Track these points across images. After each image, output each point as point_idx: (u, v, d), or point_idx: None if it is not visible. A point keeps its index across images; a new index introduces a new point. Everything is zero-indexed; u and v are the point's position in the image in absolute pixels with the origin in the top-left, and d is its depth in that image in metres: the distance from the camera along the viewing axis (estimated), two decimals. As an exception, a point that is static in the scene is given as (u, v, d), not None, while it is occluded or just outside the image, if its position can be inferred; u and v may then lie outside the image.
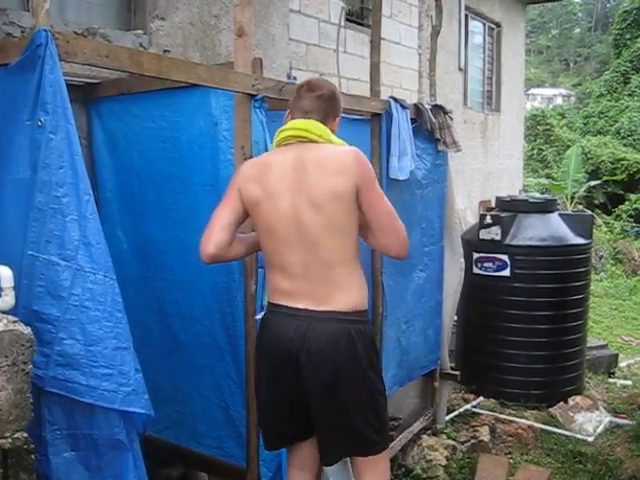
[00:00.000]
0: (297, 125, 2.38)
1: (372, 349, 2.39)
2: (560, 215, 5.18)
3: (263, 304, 2.76)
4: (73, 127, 2.04)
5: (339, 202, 2.26)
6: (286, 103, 3.06)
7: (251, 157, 2.75)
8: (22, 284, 2.01)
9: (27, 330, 1.84)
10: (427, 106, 3.91)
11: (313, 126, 2.36)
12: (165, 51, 4.00)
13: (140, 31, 3.97)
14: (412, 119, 3.74)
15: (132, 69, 2.28)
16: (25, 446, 1.83)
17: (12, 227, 2.15)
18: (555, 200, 5.55)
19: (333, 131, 2.45)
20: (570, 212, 6.75)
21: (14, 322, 1.84)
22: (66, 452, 2.09)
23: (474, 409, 4.78)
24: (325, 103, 2.43)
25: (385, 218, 2.34)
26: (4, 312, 1.92)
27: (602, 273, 11.94)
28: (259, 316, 2.73)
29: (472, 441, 4.23)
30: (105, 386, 1.98)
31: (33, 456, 1.86)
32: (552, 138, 20.51)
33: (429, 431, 4.28)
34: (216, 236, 2.36)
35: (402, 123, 3.56)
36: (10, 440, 1.79)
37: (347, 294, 2.33)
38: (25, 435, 1.83)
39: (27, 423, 1.84)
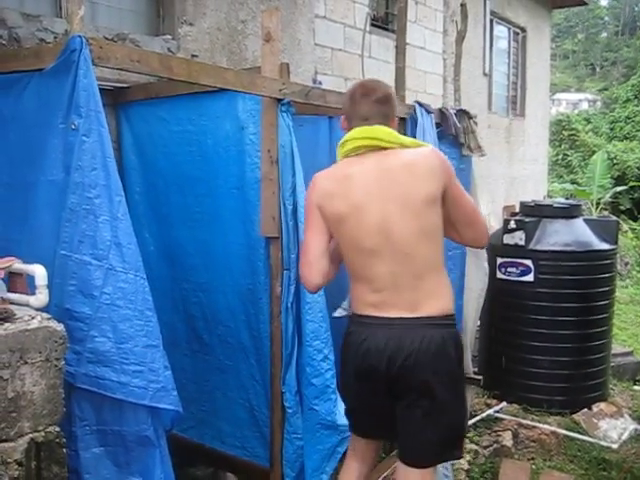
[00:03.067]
0: (367, 134, 2.31)
1: (461, 352, 2.37)
2: (585, 220, 5.14)
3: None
4: (106, 130, 2.09)
5: (433, 206, 2.24)
6: (312, 107, 3.12)
7: (277, 161, 2.79)
8: (54, 283, 2.06)
9: (60, 327, 1.89)
10: (451, 111, 3.93)
11: (382, 132, 2.30)
12: (193, 56, 4.06)
13: (169, 36, 4.04)
14: (437, 123, 3.76)
15: (162, 73, 2.33)
16: (57, 440, 1.87)
17: (45, 227, 2.21)
18: (580, 205, 5.52)
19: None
20: (595, 217, 6.70)
21: (48, 319, 1.89)
22: (95, 447, 2.14)
23: (497, 414, 4.76)
24: (383, 106, 2.36)
25: (471, 213, 2.39)
26: (38, 309, 1.97)
27: (628, 280, 11.81)
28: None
29: (495, 446, 4.21)
30: (135, 383, 2.03)
31: (65, 450, 1.91)
32: (577, 143, 20.33)
33: (451, 435, 4.28)
34: (318, 265, 2.34)
35: (427, 127, 3.58)
36: (43, 434, 1.84)
37: (437, 300, 2.29)
38: (57, 429, 1.88)
39: (59, 418, 1.89)
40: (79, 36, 2.04)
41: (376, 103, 2.35)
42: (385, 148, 2.30)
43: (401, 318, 2.26)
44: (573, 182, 17.73)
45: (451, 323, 2.33)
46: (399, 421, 2.36)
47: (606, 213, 13.99)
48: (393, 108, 2.42)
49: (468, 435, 4.33)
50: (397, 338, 2.25)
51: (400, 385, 2.28)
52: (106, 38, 3.54)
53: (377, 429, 2.50)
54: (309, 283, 2.39)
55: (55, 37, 3.30)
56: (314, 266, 2.34)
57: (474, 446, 4.16)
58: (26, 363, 1.80)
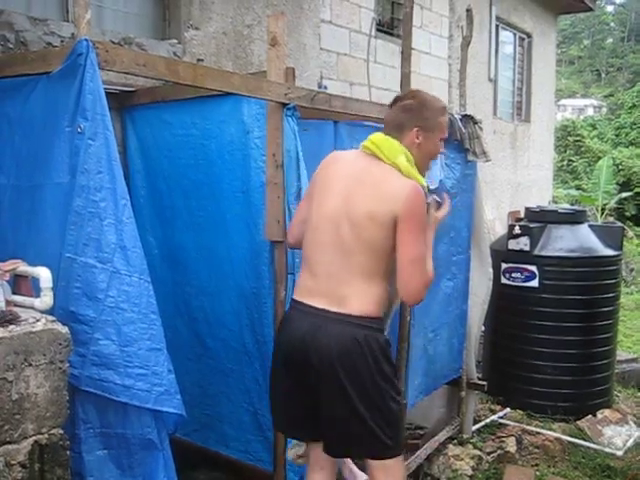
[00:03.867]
0: (373, 139, 2.44)
1: (382, 355, 2.38)
2: (590, 226, 5.14)
3: None
4: (111, 134, 2.10)
5: (373, 224, 2.31)
6: (317, 112, 3.12)
7: (282, 165, 2.80)
8: (59, 286, 2.06)
9: (65, 329, 1.89)
10: (457, 116, 3.92)
11: (384, 144, 2.40)
12: (199, 60, 4.07)
13: (174, 40, 4.05)
14: (442, 129, 3.76)
15: (168, 77, 2.34)
16: (61, 442, 1.88)
17: (50, 230, 2.21)
18: (585, 211, 5.52)
19: (412, 142, 2.44)
20: (600, 223, 6.69)
21: (52, 322, 1.90)
22: (99, 450, 2.13)
23: (501, 420, 4.76)
24: (400, 115, 2.46)
25: (405, 261, 2.32)
26: (42, 312, 1.97)
27: (633, 286, 11.77)
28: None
29: (498, 452, 4.20)
30: (139, 386, 2.03)
31: (68, 452, 1.91)
32: (583, 149, 20.33)
33: (455, 441, 4.27)
34: (295, 230, 2.61)
35: (432, 132, 3.58)
36: (47, 436, 1.84)
37: (363, 301, 2.36)
38: (61, 432, 1.88)
39: (63, 420, 1.90)
40: (85, 40, 2.04)
41: (394, 111, 2.49)
42: (381, 159, 2.39)
43: (326, 310, 2.37)
44: (578, 188, 17.73)
45: (371, 326, 2.37)
46: (323, 419, 2.44)
47: (611, 219, 13.99)
48: (412, 118, 2.45)
49: (471, 440, 4.32)
50: (317, 329, 2.36)
51: (313, 377, 2.37)
52: (112, 42, 3.55)
53: (300, 425, 2.55)
54: (287, 241, 2.75)
55: (62, 41, 3.32)
56: (292, 230, 2.66)
57: (478, 452, 4.15)
58: (30, 365, 1.80)
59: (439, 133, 2.53)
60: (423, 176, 2.49)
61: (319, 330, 2.36)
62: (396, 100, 2.53)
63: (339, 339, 2.32)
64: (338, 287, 2.37)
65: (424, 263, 2.36)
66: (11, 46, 3.13)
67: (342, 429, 2.40)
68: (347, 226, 2.35)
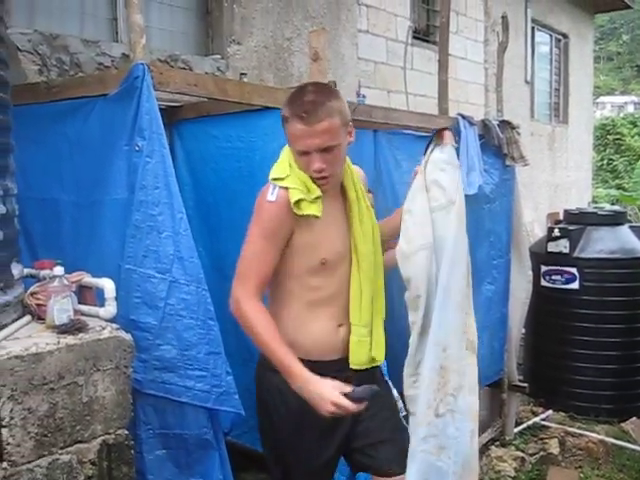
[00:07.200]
0: None
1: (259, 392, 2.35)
2: (630, 227, 5.12)
3: None
4: (167, 151, 2.23)
5: None
6: (358, 123, 3.21)
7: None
8: (119, 296, 2.19)
9: (128, 337, 2.03)
10: (494, 122, 3.97)
11: None
12: (242, 74, 4.21)
13: (218, 56, 4.19)
14: (480, 135, 3.82)
15: (218, 96, 2.47)
16: (126, 442, 2.01)
17: (109, 243, 2.35)
18: (625, 212, 5.50)
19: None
20: (641, 224, 6.64)
21: (117, 329, 2.03)
22: (158, 450, 2.25)
23: (543, 422, 4.77)
24: None
25: None
26: (106, 321, 2.11)
27: (677, 286, 11.54)
28: None
29: (541, 453, 4.22)
30: (200, 387, 2.15)
31: (132, 452, 2.04)
32: (623, 147, 19.97)
33: (497, 442, 4.31)
34: None
35: (470, 139, 3.64)
36: (114, 436, 1.97)
37: None
38: (126, 432, 2.02)
39: (127, 421, 2.03)
40: (142, 64, 2.18)
41: None
42: None
43: None
44: (619, 187, 17.43)
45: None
46: None
47: (653, 219, 13.73)
48: None
49: (514, 442, 4.35)
50: None
51: None
52: (159, 60, 3.70)
53: None
54: None
55: (113, 61, 3.48)
56: None
57: (520, 453, 4.18)
58: (98, 370, 1.93)
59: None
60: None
61: None
62: None
63: None
64: None
65: (244, 265, 2.11)
66: (66, 67, 3.30)
67: None
68: None
